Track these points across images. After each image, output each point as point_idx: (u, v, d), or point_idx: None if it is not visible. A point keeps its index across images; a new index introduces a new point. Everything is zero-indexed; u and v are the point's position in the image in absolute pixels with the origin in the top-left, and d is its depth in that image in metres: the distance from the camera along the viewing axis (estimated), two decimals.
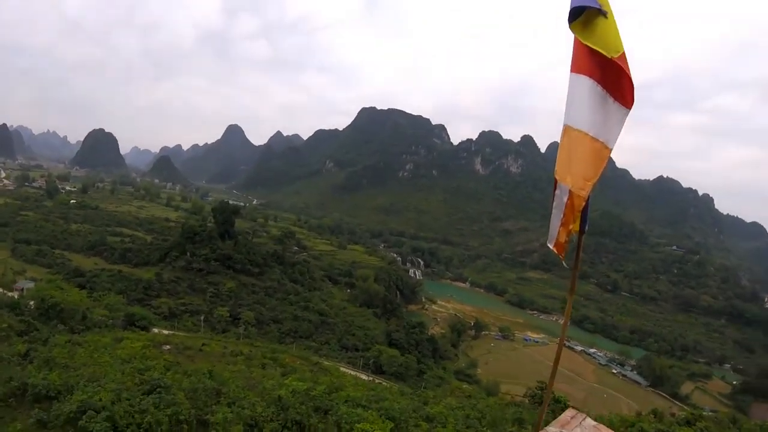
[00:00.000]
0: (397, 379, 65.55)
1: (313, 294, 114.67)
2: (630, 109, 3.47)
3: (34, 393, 13.12)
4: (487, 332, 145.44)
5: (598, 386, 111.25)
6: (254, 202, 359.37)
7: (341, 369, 51.76)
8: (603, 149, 3.49)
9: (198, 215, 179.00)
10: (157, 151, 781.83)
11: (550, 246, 3.90)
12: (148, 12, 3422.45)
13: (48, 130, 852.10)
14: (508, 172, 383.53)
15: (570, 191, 3.57)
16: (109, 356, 22.95)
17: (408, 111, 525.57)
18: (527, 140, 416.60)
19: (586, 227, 4.01)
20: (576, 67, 3.55)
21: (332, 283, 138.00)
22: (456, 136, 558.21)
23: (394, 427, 13.28)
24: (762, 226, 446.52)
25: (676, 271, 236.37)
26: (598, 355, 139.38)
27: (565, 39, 3.70)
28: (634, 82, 3.41)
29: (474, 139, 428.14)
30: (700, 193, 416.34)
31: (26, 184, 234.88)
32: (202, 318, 77.10)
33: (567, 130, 3.60)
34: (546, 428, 3.84)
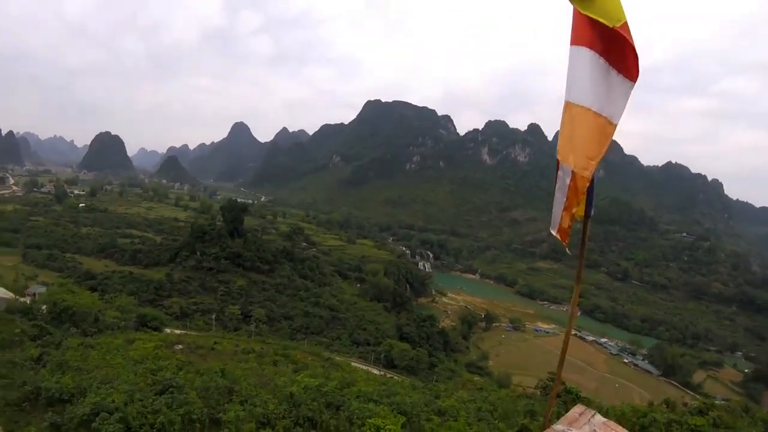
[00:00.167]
0: (408, 373, 65.57)
1: (324, 289, 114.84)
2: (635, 81, 3.26)
3: (48, 396, 13.24)
4: (497, 324, 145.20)
5: (610, 376, 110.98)
6: (262, 199, 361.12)
7: (353, 364, 51.91)
8: (607, 125, 3.31)
9: (207, 214, 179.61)
10: (164, 151, 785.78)
11: (553, 232, 3.74)
12: (150, 13, 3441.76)
13: (55, 135, 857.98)
14: (515, 161, 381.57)
15: (573, 172, 3.41)
16: (122, 358, 23.14)
17: (413, 102, 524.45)
18: (534, 129, 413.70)
19: (592, 212, 3.83)
20: (575, 39, 3.40)
21: (342, 278, 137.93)
22: (462, 127, 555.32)
23: (406, 422, 13.27)
24: None
25: (686, 258, 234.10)
26: (609, 345, 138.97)
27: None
28: (638, 53, 3.20)
29: (480, 129, 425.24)
30: (709, 178, 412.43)
31: (35, 189, 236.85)
32: (213, 317, 77.45)
33: (568, 106, 3.45)
34: (553, 426, 3.70)
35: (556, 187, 3.62)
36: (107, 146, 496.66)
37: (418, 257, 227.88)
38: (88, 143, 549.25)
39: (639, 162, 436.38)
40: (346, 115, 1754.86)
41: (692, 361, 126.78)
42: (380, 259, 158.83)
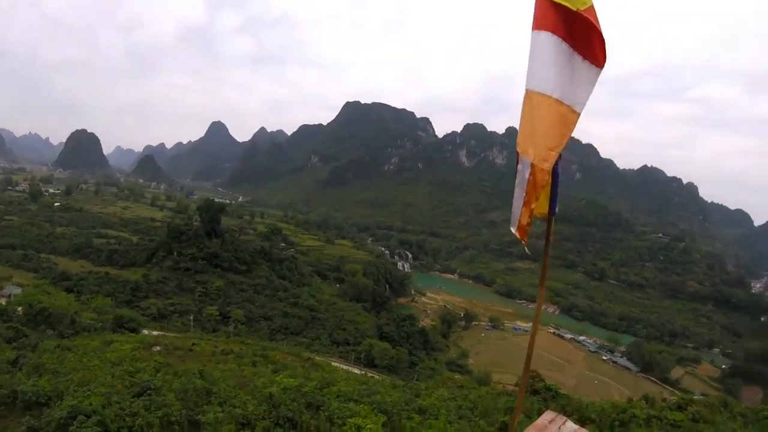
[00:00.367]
0: (389, 372, 65.85)
1: (302, 290, 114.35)
2: (601, 68, 3.04)
3: (25, 400, 13.10)
4: (477, 323, 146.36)
5: (589, 373, 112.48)
6: (240, 200, 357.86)
7: (333, 364, 52.02)
8: (569, 113, 3.08)
9: (183, 214, 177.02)
10: (141, 150, 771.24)
11: (513, 230, 3.44)
12: (129, 9, 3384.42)
13: (30, 132, 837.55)
14: (493, 163, 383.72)
15: (532, 164, 3.14)
16: (99, 360, 22.88)
17: (392, 105, 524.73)
18: (512, 131, 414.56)
19: (557, 208, 3.62)
20: (537, 24, 3.16)
21: (321, 279, 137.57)
22: (441, 130, 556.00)
23: (387, 420, 13.37)
24: (746, 213, 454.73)
25: (662, 258, 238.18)
26: (588, 343, 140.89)
27: None
28: (605, 38, 2.99)
29: (459, 131, 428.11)
30: (685, 181, 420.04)
31: (9, 188, 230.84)
32: (191, 318, 76.76)
33: (529, 95, 3.20)
34: None
35: (516, 182, 3.36)
36: (83, 144, 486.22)
37: (397, 257, 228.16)
38: (64, 141, 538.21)
39: (615, 165, 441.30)
40: (325, 116, 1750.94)
41: (670, 358, 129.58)
42: (359, 260, 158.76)
